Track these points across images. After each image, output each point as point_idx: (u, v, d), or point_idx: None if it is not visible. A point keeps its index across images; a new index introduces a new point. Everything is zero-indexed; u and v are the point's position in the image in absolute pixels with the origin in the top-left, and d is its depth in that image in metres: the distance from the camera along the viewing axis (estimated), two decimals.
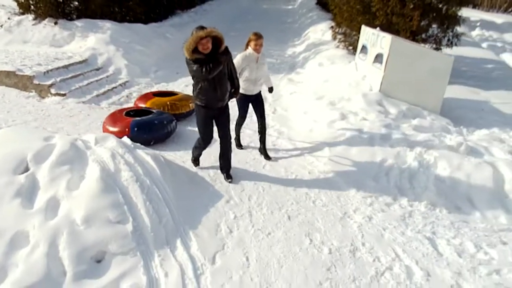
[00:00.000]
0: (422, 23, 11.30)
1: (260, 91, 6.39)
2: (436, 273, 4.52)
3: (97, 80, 9.46)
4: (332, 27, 13.18)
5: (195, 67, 4.99)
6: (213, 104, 5.35)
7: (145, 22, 14.38)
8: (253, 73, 6.04)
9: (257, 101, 6.39)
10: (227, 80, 5.37)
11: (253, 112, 6.60)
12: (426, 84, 8.11)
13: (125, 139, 5.84)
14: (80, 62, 9.88)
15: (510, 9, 31.42)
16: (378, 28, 9.09)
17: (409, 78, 8.10)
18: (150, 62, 11.37)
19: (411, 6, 10.61)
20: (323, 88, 9.05)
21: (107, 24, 11.80)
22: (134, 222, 4.63)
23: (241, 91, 5.90)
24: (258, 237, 4.86)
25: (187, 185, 5.64)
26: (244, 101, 6.32)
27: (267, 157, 6.69)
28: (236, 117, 6.64)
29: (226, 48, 5.08)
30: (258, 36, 5.92)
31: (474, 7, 36.48)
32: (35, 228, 4.32)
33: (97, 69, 9.99)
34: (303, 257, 4.59)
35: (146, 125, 7.01)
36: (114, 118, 7.19)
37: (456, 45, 12.05)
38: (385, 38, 8.19)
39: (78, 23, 11.74)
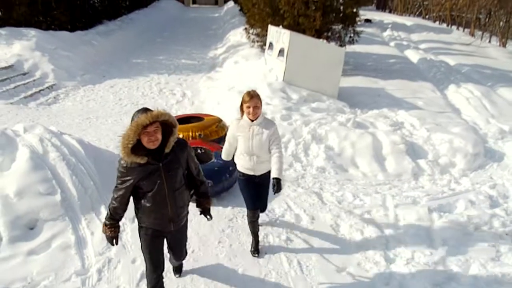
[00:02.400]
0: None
1: (267, 173, 4.41)
2: (320, 217, 5.53)
3: (24, 84, 9.86)
4: (245, 28, 14.23)
5: (132, 177, 3.19)
6: (162, 226, 3.49)
7: (71, 30, 14.73)
8: (245, 144, 4.24)
9: (261, 186, 4.51)
10: (186, 188, 3.53)
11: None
12: (323, 72, 9.24)
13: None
14: (6, 68, 10.22)
15: (419, 13, 34.21)
16: (280, 26, 10.17)
17: (308, 68, 9.20)
18: (77, 67, 11.81)
19: (313, 7, 11.81)
20: (235, 81, 10.01)
21: (32, 32, 12.13)
22: (63, 194, 5.29)
23: (238, 167, 4.44)
24: None
25: (109, 163, 6.34)
26: (245, 182, 4.46)
27: (256, 251, 4.79)
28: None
29: (181, 140, 3.41)
30: (250, 96, 4.11)
31: (390, 11, 39.31)
32: None
33: (24, 74, 10.36)
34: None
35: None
36: None
37: (356, 41, 13.46)
38: (285, 34, 9.25)
39: (2, 31, 11.97)
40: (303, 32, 11.54)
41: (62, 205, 5.17)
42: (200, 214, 3.84)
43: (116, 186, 3.29)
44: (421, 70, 15.26)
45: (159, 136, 3.10)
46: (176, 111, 9.20)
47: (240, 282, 4.38)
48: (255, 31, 13.39)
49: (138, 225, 3.57)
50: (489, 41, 22.67)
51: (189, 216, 3.85)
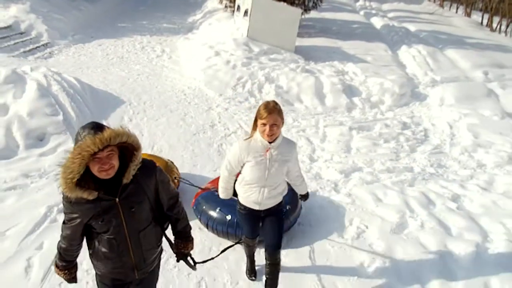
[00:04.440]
0: None
1: (276, 205, 3.46)
2: None
3: (22, 41, 11.13)
4: None
5: (79, 216, 2.34)
6: (123, 275, 2.61)
7: None
8: (258, 173, 3.21)
9: (269, 221, 3.48)
10: (155, 224, 2.58)
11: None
12: (281, 30, 10.69)
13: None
14: (5, 28, 11.45)
15: None
16: None
17: (268, 26, 10.63)
18: (68, 28, 13.03)
19: None
20: (207, 39, 11.44)
21: None
22: (64, 116, 6.75)
23: (240, 199, 3.45)
24: (149, 122, 7.17)
25: (101, 98, 7.82)
26: (246, 217, 3.53)
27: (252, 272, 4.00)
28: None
29: (147, 163, 2.44)
30: (268, 110, 3.03)
31: None
32: None
33: (21, 33, 11.59)
34: (178, 129, 6.97)
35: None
36: None
37: (320, 5, 14.92)
38: None
39: None
40: None
41: (63, 124, 6.64)
42: (178, 261, 2.78)
43: (63, 222, 2.42)
44: (381, 34, 16.64)
45: (115, 163, 2.21)
46: (155, 64, 10.63)
47: None
48: None
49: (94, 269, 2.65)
50: (456, 11, 24.03)
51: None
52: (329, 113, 8.23)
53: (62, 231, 2.47)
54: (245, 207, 3.42)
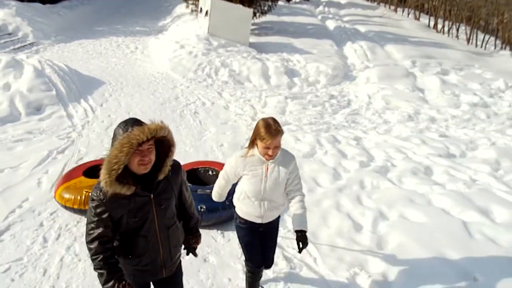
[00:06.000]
0: None
1: (275, 220, 3.37)
2: (218, 103, 8.82)
3: (11, 40, 12.63)
4: (185, 0, 17.47)
5: (111, 212, 2.27)
6: (151, 273, 2.57)
7: (43, 3, 17.40)
8: (255, 186, 3.07)
9: (267, 235, 3.40)
10: (178, 222, 2.62)
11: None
12: (237, 27, 12.50)
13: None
14: None
15: None
16: None
17: (226, 24, 12.43)
18: (50, 30, 14.51)
19: None
20: (174, 36, 13.20)
21: (12, 2, 14.73)
22: (56, 91, 8.33)
23: (239, 213, 3.27)
24: (126, 97, 8.80)
25: (86, 78, 9.46)
26: (246, 232, 3.32)
27: None
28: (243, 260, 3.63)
29: (175, 161, 2.49)
30: (272, 135, 2.85)
31: None
32: None
33: (9, 34, 13.07)
34: (148, 101, 8.61)
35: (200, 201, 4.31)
36: None
37: (274, 8, 16.87)
38: (209, 0, 12.54)
39: None
40: (231, 0, 14.78)
41: (56, 97, 8.21)
42: (187, 254, 2.81)
43: (88, 232, 2.28)
44: (332, 34, 18.44)
45: (153, 158, 2.26)
46: (129, 57, 12.31)
47: None
48: (192, 1, 16.59)
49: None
50: (408, 15, 26.12)
51: None
52: (272, 89, 10.03)
53: (89, 243, 2.25)
54: (246, 221, 3.22)
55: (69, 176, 4.89)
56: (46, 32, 14.12)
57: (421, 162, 6.38)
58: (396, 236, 4.55)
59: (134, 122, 2.18)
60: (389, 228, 4.70)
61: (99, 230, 2.25)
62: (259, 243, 3.33)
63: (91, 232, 2.26)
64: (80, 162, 6.06)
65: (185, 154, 6.47)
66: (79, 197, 4.52)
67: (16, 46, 12.33)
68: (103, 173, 2.12)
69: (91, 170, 4.86)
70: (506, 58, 15.63)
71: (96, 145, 6.73)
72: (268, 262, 3.46)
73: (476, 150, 7.12)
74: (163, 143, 2.30)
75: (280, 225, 3.59)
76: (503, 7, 17.56)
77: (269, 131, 2.84)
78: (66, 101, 8.28)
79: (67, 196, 4.57)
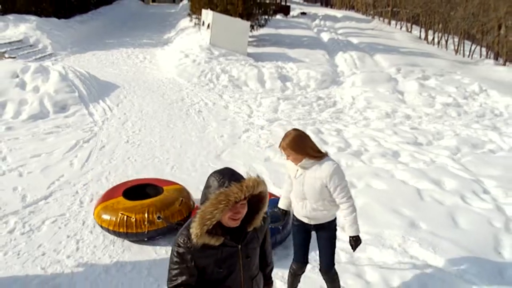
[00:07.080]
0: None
1: (327, 224, 3.45)
2: (218, 103, 9.96)
3: (33, 51, 13.84)
4: (189, 14, 18.74)
5: (197, 262, 2.16)
6: None
7: (58, 18, 18.75)
8: (296, 187, 3.37)
9: (321, 238, 3.50)
10: (260, 272, 2.50)
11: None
12: (236, 38, 13.73)
13: None
14: (18, 41, 14.20)
15: (352, 7, 38.97)
16: (209, 9, 14.69)
17: (226, 35, 13.66)
18: (66, 43, 15.78)
19: None
20: (179, 47, 14.46)
21: (32, 17, 16.04)
22: (78, 93, 9.48)
23: (294, 211, 3.55)
24: (138, 98, 9.94)
25: (103, 82, 10.63)
26: (297, 229, 3.56)
27: None
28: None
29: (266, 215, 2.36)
30: (282, 147, 3.19)
31: (331, 6, 43.93)
32: (30, 96, 9.12)
33: (30, 46, 14.32)
34: (158, 102, 9.75)
35: None
36: None
37: (269, 20, 18.12)
38: (210, 14, 13.78)
39: (10, 17, 15.96)
40: (231, 15, 16.02)
41: (79, 98, 9.37)
42: None
43: (171, 278, 2.17)
44: (326, 45, 19.47)
45: (245, 212, 2.13)
46: (139, 66, 13.53)
47: None
48: (196, 16, 17.91)
49: None
50: (401, 28, 27.21)
51: None
52: (267, 92, 11.19)
53: (173, 282, 2.14)
54: (297, 219, 3.46)
55: (109, 196, 4.88)
56: (63, 44, 15.38)
57: (391, 148, 7.48)
58: (362, 198, 5.62)
59: (231, 176, 2.04)
60: (357, 193, 5.75)
61: (183, 278, 2.13)
62: (306, 243, 3.54)
63: (174, 278, 2.14)
64: (103, 150, 7.18)
65: (191, 143, 7.58)
66: (114, 219, 4.48)
67: (38, 57, 13.54)
68: (194, 226, 2.03)
69: (131, 190, 4.99)
70: (489, 66, 16.61)
71: (115, 137, 7.82)
72: (326, 264, 3.49)
73: (442, 140, 8.20)
74: (257, 198, 2.16)
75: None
76: (483, 18, 18.68)
77: (282, 142, 3.20)
78: (87, 101, 9.41)
79: (104, 216, 4.57)
